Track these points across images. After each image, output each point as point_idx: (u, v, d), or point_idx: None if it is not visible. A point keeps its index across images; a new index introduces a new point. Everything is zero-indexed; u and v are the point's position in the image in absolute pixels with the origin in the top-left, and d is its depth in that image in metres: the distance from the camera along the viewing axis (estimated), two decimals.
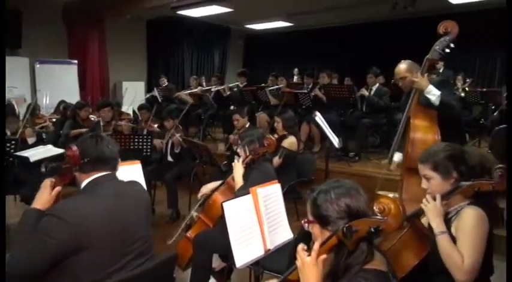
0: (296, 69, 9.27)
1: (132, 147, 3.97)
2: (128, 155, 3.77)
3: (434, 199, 1.64)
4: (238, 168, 2.61)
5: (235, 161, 2.68)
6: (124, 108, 7.04)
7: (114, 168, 1.68)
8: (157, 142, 4.58)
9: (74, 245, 1.43)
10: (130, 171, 2.28)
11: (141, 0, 6.77)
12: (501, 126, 4.73)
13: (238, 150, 2.83)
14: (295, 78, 8.81)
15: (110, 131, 4.69)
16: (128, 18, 8.40)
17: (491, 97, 6.00)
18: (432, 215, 1.62)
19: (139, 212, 1.67)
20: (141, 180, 2.22)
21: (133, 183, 1.78)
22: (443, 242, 1.56)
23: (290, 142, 3.85)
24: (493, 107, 6.10)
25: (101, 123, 4.87)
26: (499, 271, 1.96)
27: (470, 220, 1.57)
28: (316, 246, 1.22)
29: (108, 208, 1.54)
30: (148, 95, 7.94)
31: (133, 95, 7.02)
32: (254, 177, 2.55)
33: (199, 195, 2.88)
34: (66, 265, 1.44)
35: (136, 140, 4.04)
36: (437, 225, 1.60)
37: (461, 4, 7.09)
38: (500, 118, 5.84)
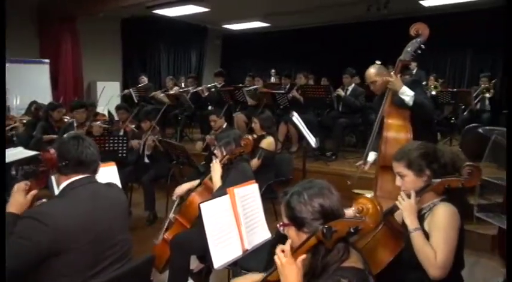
0: (273, 70, 9.32)
1: (107, 148, 3.90)
2: (103, 157, 3.72)
3: (409, 197, 1.69)
4: (217, 169, 2.60)
5: (213, 161, 2.67)
6: (99, 109, 6.89)
7: (94, 172, 1.66)
8: (134, 143, 4.52)
9: (53, 247, 1.41)
10: (106, 173, 2.24)
11: None
12: (470, 125, 4.94)
13: (215, 151, 2.82)
14: (273, 79, 8.85)
15: (84, 132, 4.59)
16: (101, 17, 8.23)
17: (462, 97, 6.18)
18: (407, 212, 1.66)
19: (118, 215, 1.66)
20: (117, 182, 2.19)
21: (110, 185, 1.76)
22: (417, 238, 1.60)
23: (268, 142, 3.87)
24: (463, 107, 6.29)
25: (75, 124, 4.76)
26: (469, 265, 2.04)
27: (442, 216, 1.62)
28: (287, 246, 1.23)
29: (87, 211, 1.52)
30: (125, 91, 7.79)
31: (109, 95, 6.86)
32: (232, 177, 2.54)
33: (174, 196, 2.85)
34: (45, 268, 1.42)
35: (111, 141, 3.96)
36: (412, 222, 1.64)
37: (432, 7, 7.30)
38: (470, 117, 6.07)
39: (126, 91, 7.79)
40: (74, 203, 1.53)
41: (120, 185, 1.99)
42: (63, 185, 1.59)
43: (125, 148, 4.00)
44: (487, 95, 6.12)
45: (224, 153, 2.69)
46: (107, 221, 1.57)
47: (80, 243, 1.45)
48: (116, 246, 1.58)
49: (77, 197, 1.55)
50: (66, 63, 8.18)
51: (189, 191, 2.78)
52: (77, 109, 4.75)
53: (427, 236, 1.63)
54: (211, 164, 2.66)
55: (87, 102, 5.78)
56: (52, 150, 1.59)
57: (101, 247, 1.53)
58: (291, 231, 1.29)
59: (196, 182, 2.80)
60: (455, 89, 6.77)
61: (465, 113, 6.24)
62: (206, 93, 6.63)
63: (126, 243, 1.66)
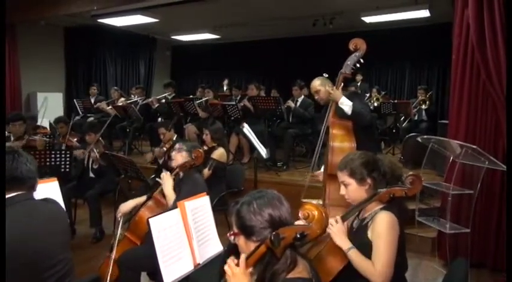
0: (226, 81, 9.34)
1: (48, 163, 3.68)
2: (44, 172, 3.50)
3: (336, 221, 1.75)
4: (168, 180, 2.53)
5: (163, 173, 2.60)
6: (38, 121, 6.48)
7: (31, 188, 1.57)
8: (78, 152, 4.30)
9: None
10: (46, 190, 2.11)
11: (54, 7, 6.27)
12: (410, 134, 5.26)
13: (174, 153, 2.74)
14: (225, 89, 8.87)
15: (21, 146, 4.30)
16: (43, 25, 7.82)
17: (402, 108, 6.55)
18: (337, 237, 1.73)
19: (57, 232, 1.57)
20: (59, 198, 2.07)
21: (48, 201, 1.66)
22: (352, 256, 1.68)
23: (219, 153, 3.86)
24: (402, 117, 6.67)
25: (11, 138, 4.44)
26: (412, 267, 2.15)
27: (382, 225, 1.70)
28: (242, 257, 1.23)
29: (20, 231, 1.43)
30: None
31: (48, 105, 6.34)
32: (187, 188, 2.48)
33: (118, 215, 2.73)
34: None
35: (53, 155, 3.75)
36: (344, 244, 1.71)
37: (373, 23, 7.71)
38: (409, 127, 6.46)
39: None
40: (6, 223, 1.42)
41: (61, 201, 1.89)
42: None
43: (68, 162, 3.79)
44: (423, 106, 6.54)
45: (187, 158, 2.65)
46: (44, 240, 1.49)
47: (16, 264, 1.36)
48: (56, 266, 1.50)
49: (10, 217, 1.44)
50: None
51: (135, 208, 2.69)
52: (14, 122, 4.44)
53: (371, 244, 1.69)
54: (161, 175, 2.60)
55: (26, 115, 5.42)
56: None
57: (39, 268, 1.44)
58: (240, 240, 1.30)
59: (143, 198, 2.72)
60: (396, 101, 7.15)
61: (405, 123, 6.63)
62: (156, 105, 6.50)
63: (67, 263, 1.57)
